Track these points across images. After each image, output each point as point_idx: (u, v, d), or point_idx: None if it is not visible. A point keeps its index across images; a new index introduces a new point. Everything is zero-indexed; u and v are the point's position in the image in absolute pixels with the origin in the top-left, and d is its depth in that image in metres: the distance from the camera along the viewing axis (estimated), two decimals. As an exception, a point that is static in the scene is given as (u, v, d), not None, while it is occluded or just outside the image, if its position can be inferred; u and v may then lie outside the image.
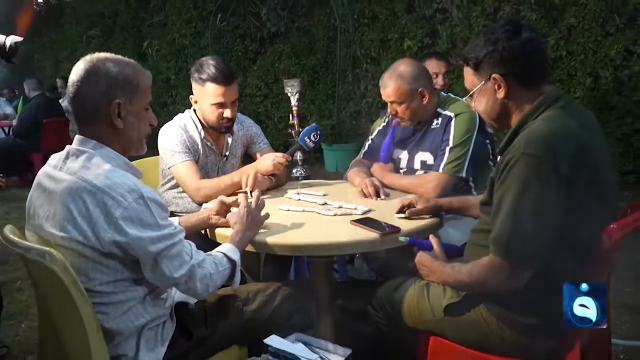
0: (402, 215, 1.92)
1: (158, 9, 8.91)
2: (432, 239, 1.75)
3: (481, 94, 1.59)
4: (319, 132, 2.42)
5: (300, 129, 2.72)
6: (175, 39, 8.57)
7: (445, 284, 1.64)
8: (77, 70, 1.40)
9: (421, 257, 1.70)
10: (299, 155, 2.69)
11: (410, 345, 1.76)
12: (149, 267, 1.37)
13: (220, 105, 2.32)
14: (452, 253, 1.78)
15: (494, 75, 1.54)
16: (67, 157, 1.41)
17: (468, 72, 1.62)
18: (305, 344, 1.57)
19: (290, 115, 2.84)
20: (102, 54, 1.44)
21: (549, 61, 1.65)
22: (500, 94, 1.55)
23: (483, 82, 1.57)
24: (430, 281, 1.69)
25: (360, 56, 6.83)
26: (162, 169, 2.49)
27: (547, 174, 1.36)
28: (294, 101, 2.82)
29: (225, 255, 1.57)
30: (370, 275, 3.09)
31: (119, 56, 1.46)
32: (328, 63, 7.17)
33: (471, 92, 1.62)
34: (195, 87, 2.37)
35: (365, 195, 2.24)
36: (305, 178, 2.69)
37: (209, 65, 2.30)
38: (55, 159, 1.45)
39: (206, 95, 2.32)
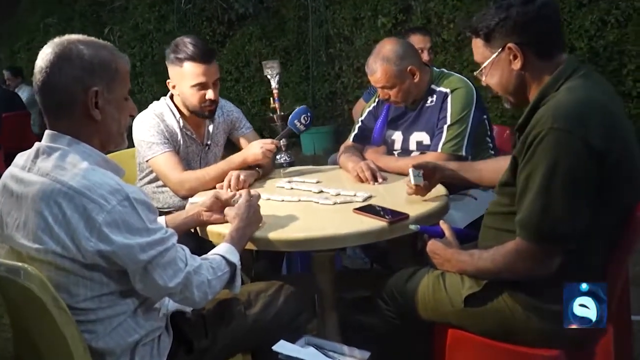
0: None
1: (118, -7, 8.54)
2: (443, 225, 1.64)
3: (494, 66, 1.46)
4: (309, 114, 2.27)
5: (282, 113, 2.59)
6: (138, 23, 8.22)
7: (463, 272, 1.52)
8: (45, 55, 1.21)
9: (433, 245, 1.58)
10: (282, 141, 2.55)
11: (425, 338, 1.65)
12: (139, 278, 1.21)
13: (202, 85, 2.15)
14: (463, 238, 1.67)
15: (508, 45, 1.41)
16: (36, 156, 1.22)
17: (478, 44, 1.49)
18: (317, 347, 1.44)
19: (271, 98, 2.69)
20: (73, 36, 1.25)
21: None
22: (517, 64, 1.42)
23: (496, 53, 1.44)
24: (446, 271, 1.57)
25: (333, 35, 6.65)
26: (139, 163, 2.31)
27: (578, 149, 1.25)
28: (274, 84, 2.68)
29: (224, 257, 1.41)
30: (364, 262, 2.98)
31: (92, 38, 1.27)
32: (300, 44, 6.97)
33: (483, 66, 1.49)
34: (172, 69, 2.18)
35: (361, 180, 2.11)
36: (290, 164, 2.56)
37: (186, 43, 2.12)
38: (22, 158, 1.26)
39: (185, 77, 2.14)
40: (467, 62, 5.55)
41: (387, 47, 2.23)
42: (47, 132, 1.24)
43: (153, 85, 7.99)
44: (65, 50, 1.21)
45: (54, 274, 1.16)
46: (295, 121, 2.25)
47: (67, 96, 1.21)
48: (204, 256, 1.39)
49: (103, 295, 1.20)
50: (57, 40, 1.23)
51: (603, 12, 4.92)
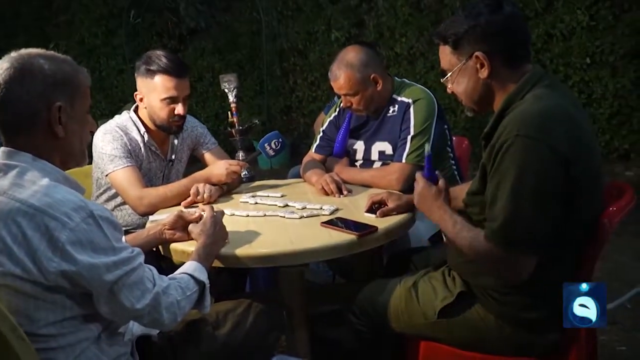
0: (373, 216, 1.78)
1: (64, 7, 8.27)
2: (441, 180, 1.59)
3: (461, 74, 1.46)
4: (280, 140, 2.25)
5: (241, 127, 2.55)
6: (85, 38, 7.98)
7: (433, 221, 1.53)
8: (3, 70, 1.16)
9: (419, 179, 1.57)
10: (241, 155, 2.51)
11: (398, 351, 1.63)
12: (104, 300, 1.14)
13: (172, 100, 2.09)
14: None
15: (476, 53, 1.41)
16: None
17: (445, 51, 1.49)
18: (290, 367, 1.39)
19: (229, 112, 2.63)
20: (32, 50, 1.20)
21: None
22: (483, 73, 1.42)
23: (464, 61, 1.44)
24: (419, 210, 1.57)
25: (286, 49, 6.64)
26: (97, 178, 2.21)
27: (545, 155, 1.26)
28: (231, 97, 2.63)
29: (192, 276, 1.35)
30: (327, 275, 2.94)
31: (51, 52, 1.22)
32: (253, 58, 6.92)
33: (449, 74, 1.49)
34: (142, 81, 2.11)
35: (326, 193, 2.08)
36: (250, 179, 2.50)
37: (159, 56, 2.07)
38: None
39: (156, 89, 2.08)
40: (419, 75, 5.64)
41: (350, 54, 2.23)
42: (2, 149, 1.18)
43: (101, 101, 7.77)
44: (26, 64, 1.16)
45: (13, 298, 1.10)
46: (266, 145, 2.23)
47: (28, 112, 1.16)
48: (171, 275, 1.33)
49: (65, 320, 1.14)
50: (14, 54, 1.18)
51: (549, 25, 5.09)
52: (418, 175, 1.59)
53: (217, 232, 1.54)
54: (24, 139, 1.17)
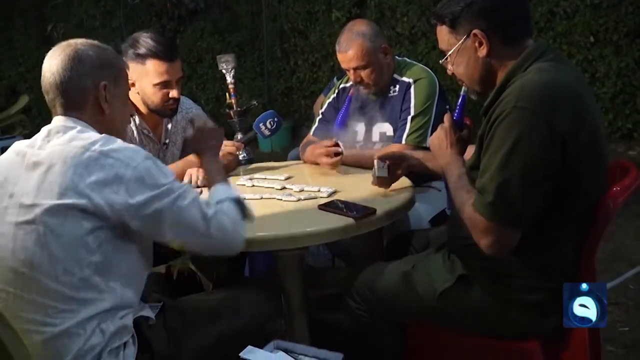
0: (385, 166, 1.75)
1: (61, -12, 8.18)
2: (465, 131, 1.56)
3: (460, 54, 1.42)
4: (276, 119, 2.20)
5: (239, 108, 2.50)
6: (83, 20, 7.90)
7: (440, 165, 1.52)
8: (56, 57, 1.33)
9: (447, 119, 1.53)
10: (239, 137, 2.47)
11: (397, 335, 1.61)
12: (170, 222, 1.27)
13: (165, 84, 2.03)
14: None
15: (474, 31, 1.37)
16: (48, 135, 1.30)
17: (443, 31, 1.44)
18: (287, 351, 1.37)
19: (227, 94, 2.58)
20: (78, 40, 1.38)
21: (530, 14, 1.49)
22: (482, 51, 1.38)
23: (462, 40, 1.40)
24: (430, 147, 1.57)
25: (287, 30, 6.56)
26: None
27: (541, 130, 1.22)
28: (229, 78, 2.58)
29: (229, 198, 1.41)
30: (327, 258, 2.92)
31: (95, 41, 1.40)
32: (254, 39, 6.85)
33: (448, 54, 1.45)
34: (131, 66, 2.03)
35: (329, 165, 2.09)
36: (249, 161, 2.47)
37: (147, 38, 2.00)
38: (27, 141, 1.33)
39: (148, 75, 2.02)
40: (421, 55, 5.57)
41: (360, 25, 2.19)
42: (58, 117, 1.33)
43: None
44: (75, 50, 1.33)
45: (63, 231, 1.19)
46: (261, 124, 2.18)
47: (80, 91, 1.32)
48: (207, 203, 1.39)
49: (101, 267, 1.23)
50: (63, 44, 1.35)
51: (552, 4, 5.01)
52: (447, 115, 1.55)
53: (208, 143, 1.63)
54: (77, 115, 1.33)
